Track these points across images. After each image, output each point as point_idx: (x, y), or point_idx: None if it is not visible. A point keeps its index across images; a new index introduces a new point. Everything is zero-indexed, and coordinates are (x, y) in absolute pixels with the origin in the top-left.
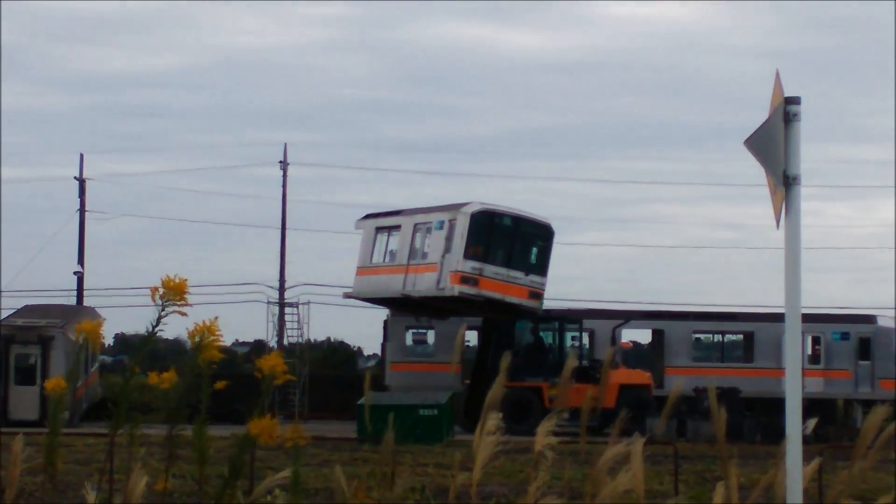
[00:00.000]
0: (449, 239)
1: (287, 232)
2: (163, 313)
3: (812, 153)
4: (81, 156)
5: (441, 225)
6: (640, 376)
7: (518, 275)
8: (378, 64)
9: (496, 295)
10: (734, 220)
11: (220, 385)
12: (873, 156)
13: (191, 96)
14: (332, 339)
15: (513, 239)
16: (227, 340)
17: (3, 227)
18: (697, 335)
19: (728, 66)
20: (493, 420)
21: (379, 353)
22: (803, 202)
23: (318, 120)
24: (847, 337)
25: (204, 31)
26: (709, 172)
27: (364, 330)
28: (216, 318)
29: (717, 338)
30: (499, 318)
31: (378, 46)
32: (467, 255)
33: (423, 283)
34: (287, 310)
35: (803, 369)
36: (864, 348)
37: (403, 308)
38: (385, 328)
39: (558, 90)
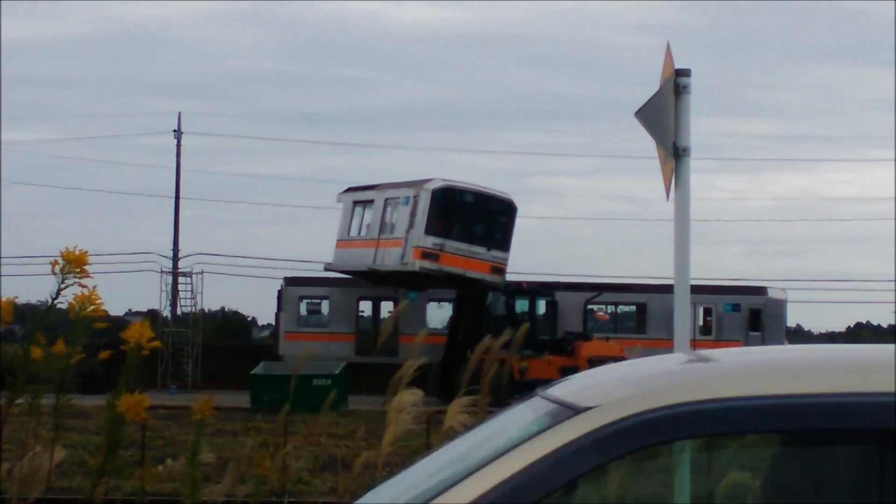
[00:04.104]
0: (413, 215)
1: (181, 201)
2: (62, 285)
3: (704, 127)
4: None
5: (407, 201)
6: (612, 348)
7: (480, 250)
8: (273, 35)
9: (457, 270)
10: (628, 193)
11: (104, 354)
12: (763, 130)
13: (84, 65)
14: (226, 309)
15: (474, 215)
16: (119, 310)
17: None
18: (590, 306)
19: (622, 40)
20: (410, 395)
21: (273, 322)
22: (695, 175)
23: (212, 90)
24: (738, 308)
25: (97, 0)
26: (603, 145)
27: (258, 300)
28: (95, 286)
29: (611, 309)
30: (469, 292)
31: (273, 18)
32: (429, 231)
33: (390, 258)
34: (181, 279)
35: (695, 340)
36: (755, 319)
37: (380, 281)
38: (279, 298)
39: (455, 63)
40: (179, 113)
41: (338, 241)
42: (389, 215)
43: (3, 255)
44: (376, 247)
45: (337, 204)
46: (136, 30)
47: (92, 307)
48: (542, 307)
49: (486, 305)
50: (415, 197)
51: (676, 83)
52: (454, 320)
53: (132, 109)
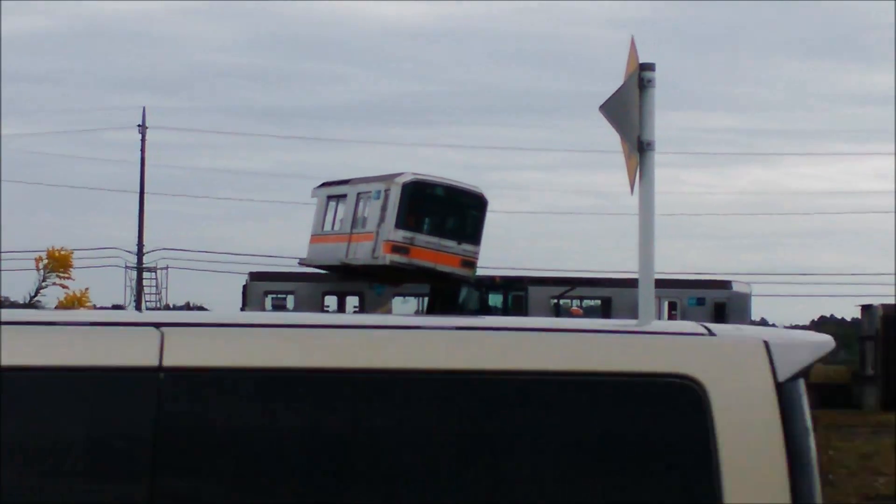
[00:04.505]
0: (383, 209)
1: (146, 196)
2: (44, 284)
3: (670, 121)
4: None
5: (378, 195)
6: None
7: (450, 244)
8: (240, 31)
9: (427, 264)
10: (594, 187)
11: None
12: (729, 124)
13: (50, 61)
14: (191, 304)
15: (445, 208)
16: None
17: None
18: (556, 300)
19: (589, 34)
20: None
21: None
22: (660, 169)
23: (180, 85)
24: (703, 302)
25: None
26: (569, 139)
27: (224, 295)
28: (87, 289)
29: (576, 303)
30: (442, 286)
31: (241, 13)
32: (399, 225)
33: (362, 252)
34: (146, 274)
35: None
36: (720, 313)
37: (352, 275)
38: (244, 293)
39: (421, 58)
40: (144, 107)
41: (312, 236)
42: (361, 209)
43: None
44: (349, 241)
45: (311, 199)
46: (103, 25)
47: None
48: (514, 302)
49: (459, 300)
50: (386, 191)
51: (641, 77)
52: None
53: (98, 104)
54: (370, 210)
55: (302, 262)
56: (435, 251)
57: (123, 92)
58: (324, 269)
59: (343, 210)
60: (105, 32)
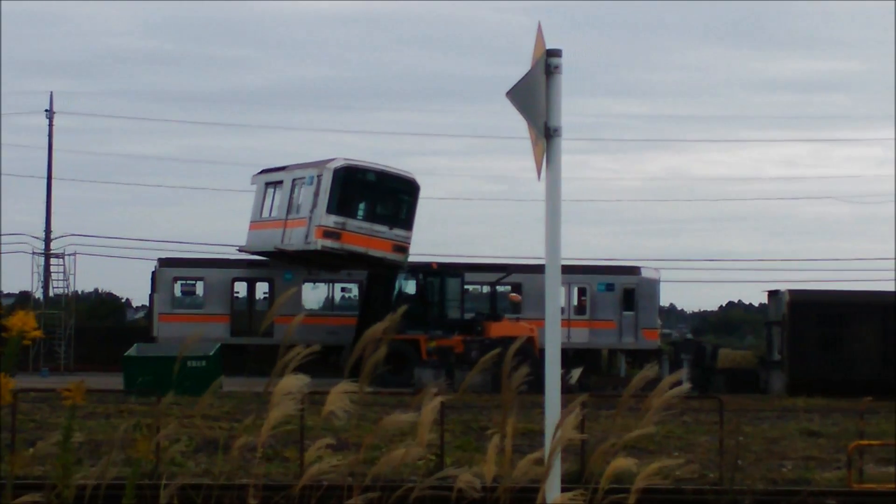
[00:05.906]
0: (316, 194)
1: (54, 182)
2: None
3: (578, 107)
4: None
5: (312, 180)
6: (522, 329)
7: (382, 229)
8: (149, 14)
9: (359, 248)
10: (502, 173)
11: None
12: (637, 110)
13: None
14: (100, 291)
15: (377, 193)
16: None
17: None
18: (466, 286)
19: (499, 19)
20: (295, 380)
21: (148, 304)
22: (569, 155)
23: (88, 69)
24: (612, 288)
25: None
26: (479, 125)
27: (133, 281)
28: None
29: (486, 289)
30: (380, 272)
31: None
32: (330, 210)
33: (296, 238)
34: (53, 261)
35: (569, 320)
36: (629, 299)
37: (288, 261)
38: (153, 279)
39: (332, 43)
40: (51, 92)
41: (251, 222)
42: (297, 195)
43: None
44: (284, 227)
45: (251, 186)
46: (8, 8)
47: (28, 329)
48: (451, 287)
49: (395, 286)
50: (318, 176)
51: (548, 63)
52: (364, 301)
53: (4, 89)
54: (304, 196)
55: (241, 249)
56: (367, 236)
57: (30, 76)
58: (261, 256)
59: (279, 196)
60: (10, 15)
